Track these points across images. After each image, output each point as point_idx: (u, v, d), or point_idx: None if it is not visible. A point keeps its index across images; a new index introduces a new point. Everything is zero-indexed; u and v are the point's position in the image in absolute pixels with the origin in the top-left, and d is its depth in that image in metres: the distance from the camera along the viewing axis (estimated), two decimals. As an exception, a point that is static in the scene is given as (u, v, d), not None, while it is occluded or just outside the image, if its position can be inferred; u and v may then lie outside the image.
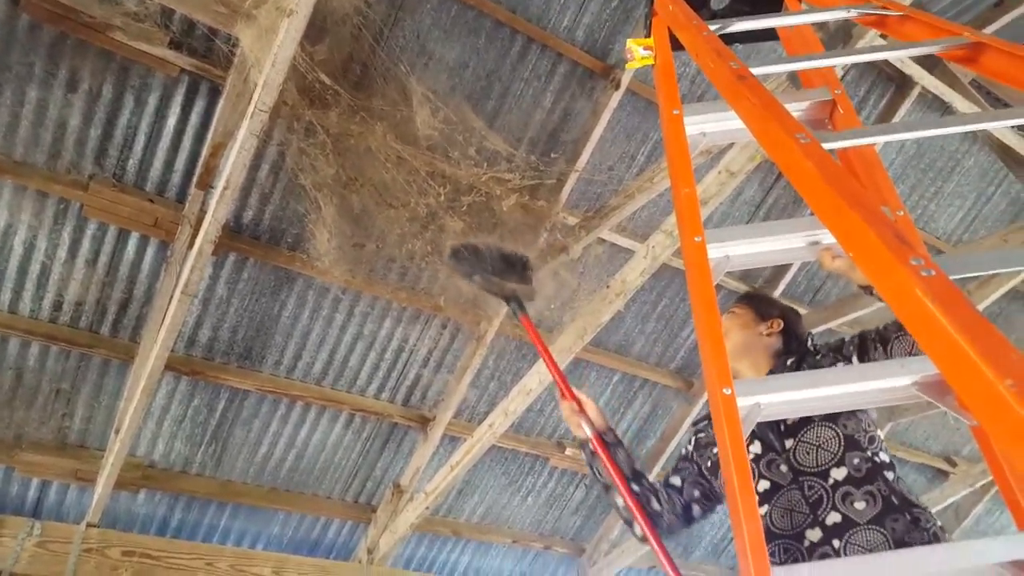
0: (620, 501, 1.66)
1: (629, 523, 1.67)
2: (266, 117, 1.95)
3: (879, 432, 1.52)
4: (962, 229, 3.89)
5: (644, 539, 1.62)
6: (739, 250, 1.44)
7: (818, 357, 1.65)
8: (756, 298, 1.89)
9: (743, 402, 1.17)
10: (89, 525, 3.23)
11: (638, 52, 1.72)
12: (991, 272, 0.95)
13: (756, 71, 1.24)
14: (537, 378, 2.87)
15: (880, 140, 1.21)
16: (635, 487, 1.69)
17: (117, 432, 3.04)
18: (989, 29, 3.03)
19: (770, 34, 1.72)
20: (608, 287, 2.70)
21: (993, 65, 1.20)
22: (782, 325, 1.83)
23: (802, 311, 3.78)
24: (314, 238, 2.79)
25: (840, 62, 1.68)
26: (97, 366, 3.11)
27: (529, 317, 2.07)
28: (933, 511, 1.44)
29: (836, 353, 1.61)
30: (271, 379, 3.36)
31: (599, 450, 1.74)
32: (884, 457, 1.46)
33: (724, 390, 1.17)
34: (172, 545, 3.45)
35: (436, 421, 3.58)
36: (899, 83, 3.34)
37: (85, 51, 2.48)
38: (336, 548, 3.94)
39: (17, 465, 3.15)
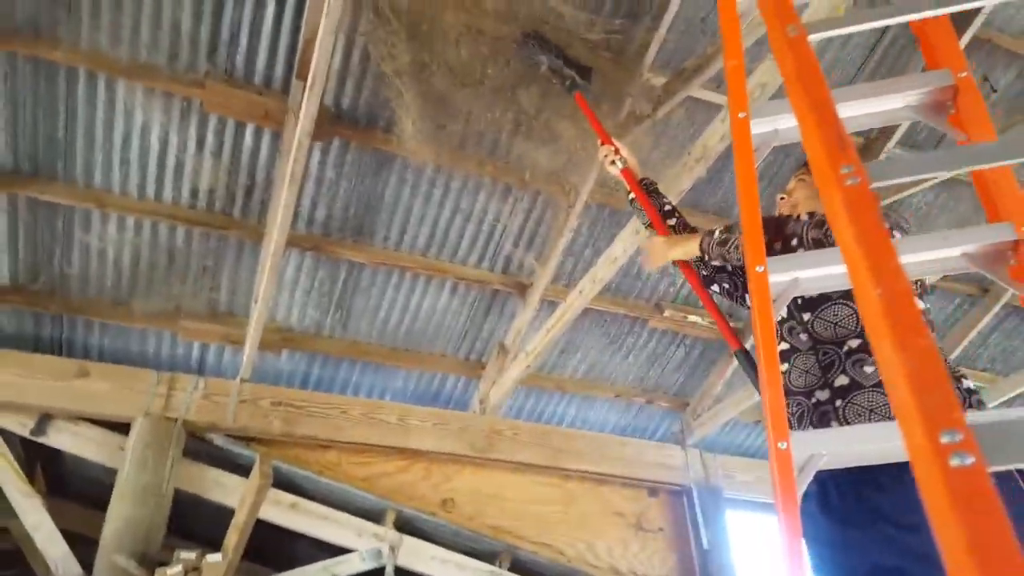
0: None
1: None
2: (339, 16, 2.09)
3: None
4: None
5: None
6: (789, 123, 1.47)
7: None
8: None
9: (776, 278, 1.27)
10: (243, 380, 3.80)
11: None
12: (914, 177, 0.99)
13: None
14: (622, 247, 3.00)
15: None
16: (669, 222, 2.12)
17: (256, 302, 3.49)
18: None
19: None
20: (688, 153, 2.72)
21: None
22: None
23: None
24: (401, 122, 2.97)
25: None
26: (234, 245, 3.54)
27: (585, 98, 2.64)
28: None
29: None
30: (382, 252, 3.69)
31: (630, 183, 2.22)
32: None
33: (757, 268, 1.27)
34: (312, 396, 3.99)
35: (533, 287, 3.82)
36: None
37: (186, -45, 2.69)
38: (453, 399, 4.39)
39: (179, 331, 3.72)
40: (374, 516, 3.90)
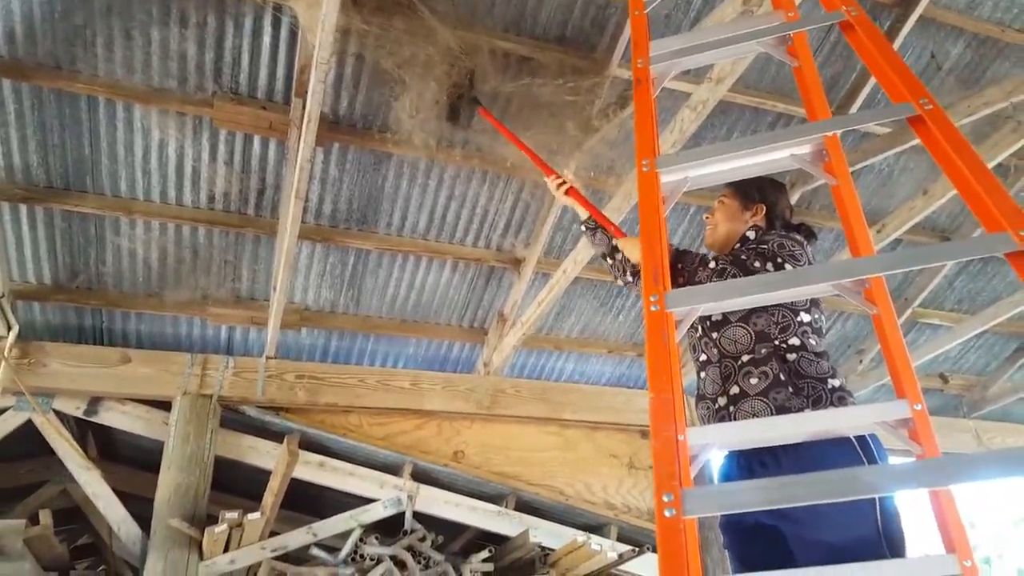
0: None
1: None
2: (329, 66, 2.37)
3: (802, 318, 1.87)
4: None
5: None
6: (698, 171, 1.77)
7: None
8: (741, 184, 2.18)
9: (668, 177, 1.62)
10: (268, 357, 4.22)
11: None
12: (704, 304, 1.34)
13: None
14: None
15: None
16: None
17: (275, 290, 3.86)
18: None
19: None
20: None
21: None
22: (764, 210, 2.16)
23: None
24: (400, 116, 3.21)
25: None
26: (250, 240, 3.89)
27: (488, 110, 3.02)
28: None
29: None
30: (386, 238, 4.03)
31: (580, 201, 2.59)
32: (794, 341, 1.83)
33: (644, 163, 1.61)
34: (332, 368, 4.42)
35: (526, 262, 4.16)
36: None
37: (187, -8, 2.93)
38: (460, 363, 4.80)
39: (208, 317, 4.11)
40: (393, 469, 4.38)
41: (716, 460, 1.95)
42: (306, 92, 3.18)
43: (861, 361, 5.43)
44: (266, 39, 3.15)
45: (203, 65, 3.20)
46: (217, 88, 3.27)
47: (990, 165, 3.60)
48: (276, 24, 3.10)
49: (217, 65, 3.21)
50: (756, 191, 2.17)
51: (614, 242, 2.38)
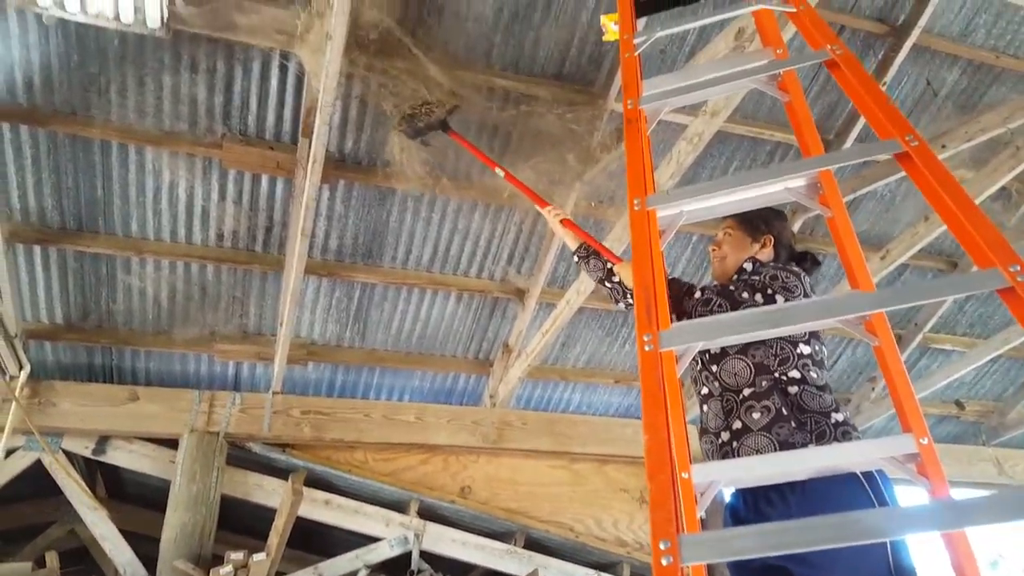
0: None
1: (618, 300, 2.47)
2: (333, 109, 2.44)
3: (801, 350, 1.85)
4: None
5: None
6: (692, 206, 1.79)
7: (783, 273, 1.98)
8: (746, 216, 2.18)
9: (664, 212, 1.62)
10: (275, 393, 4.24)
11: (610, 27, 2.02)
12: (701, 341, 1.35)
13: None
14: (600, 263, 3.34)
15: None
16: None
17: (281, 326, 3.90)
18: None
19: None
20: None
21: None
22: (773, 240, 2.16)
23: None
24: (399, 156, 3.29)
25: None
26: (258, 276, 3.94)
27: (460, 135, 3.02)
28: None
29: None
30: (391, 271, 4.07)
31: (576, 231, 2.58)
32: (795, 374, 1.81)
33: (635, 202, 1.61)
34: (337, 403, 4.44)
35: (529, 293, 4.19)
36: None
37: (198, 40, 3.03)
38: (466, 395, 4.81)
39: (216, 353, 4.15)
40: (399, 507, 4.37)
41: (725, 492, 1.95)
42: (312, 133, 3.28)
43: (874, 388, 5.39)
44: (273, 83, 3.24)
45: (213, 108, 3.29)
46: (226, 130, 3.36)
47: (991, 190, 3.62)
48: (283, 69, 3.19)
49: (226, 108, 3.30)
50: (763, 222, 2.15)
51: (609, 265, 2.41)
